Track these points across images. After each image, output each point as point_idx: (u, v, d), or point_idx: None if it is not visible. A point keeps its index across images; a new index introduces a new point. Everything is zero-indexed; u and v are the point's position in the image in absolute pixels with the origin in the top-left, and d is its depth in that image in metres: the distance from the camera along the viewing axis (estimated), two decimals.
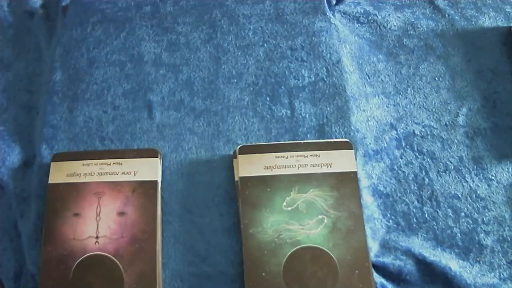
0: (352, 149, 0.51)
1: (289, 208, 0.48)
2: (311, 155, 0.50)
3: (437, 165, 0.53)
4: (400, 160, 0.53)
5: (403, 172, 0.52)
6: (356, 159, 0.51)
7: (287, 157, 0.50)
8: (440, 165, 0.53)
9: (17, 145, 0.54)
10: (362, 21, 0.61)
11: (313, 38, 0.59)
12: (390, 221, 0.50)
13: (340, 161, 0.50)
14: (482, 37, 0.60)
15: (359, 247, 0.46)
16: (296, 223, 0.47)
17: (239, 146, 0.51)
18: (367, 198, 0.50)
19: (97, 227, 0.47)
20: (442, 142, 0.54)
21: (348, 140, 0.51)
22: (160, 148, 0.52)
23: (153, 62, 0.57)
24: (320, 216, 0.47)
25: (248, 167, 0.49)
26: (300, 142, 0.51)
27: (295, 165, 0.49)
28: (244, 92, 0.56)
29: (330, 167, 0.49)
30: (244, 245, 0.46)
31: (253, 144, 0.52)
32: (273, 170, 0.49)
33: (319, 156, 0.50)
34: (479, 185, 0.52)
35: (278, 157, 0.50)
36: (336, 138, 0.53)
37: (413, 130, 0.54)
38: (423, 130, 0.54)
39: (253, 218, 0.47)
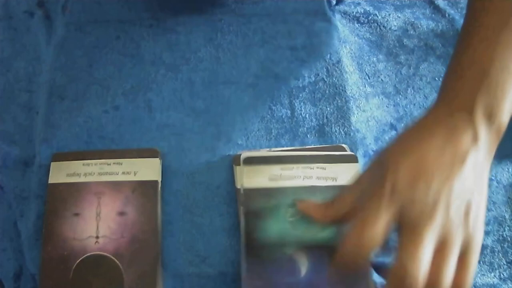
0: (357, 162, 0.50)
1: (293, 219, 0.47)
2: (317, 167, 0.50)
3: None
4: None
5: None
6: None
7: (292, 169, 0.49)
8: None
9: (17, 145, 0.54)
10: (362, 21, 0.61)
11: (313, 38, 0.59)
12: None
13: (345, 175, 0.49)
14: None
15: None
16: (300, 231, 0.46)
17: (243, 157, 0.50)
18: None
19: (97, 227, 0.47)
20: None
21: (353, 154, 0.51)
22: (160, 148, 0.52)
23: (153, 62, 0.57)
24: None
25: (253, 178, 0.49)
26: (306, 154, 0.51)
27: (300, 177, 0.49)
28: (244, 92, 0.56)
29: (335, 181, 0.49)
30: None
31: (258, 155, 0.51)
32: (278, 182, 0.49)
33: (325, 169, 0.50)
34: None
35: (283, 168, 0.49)
36: (336, 138, 0.53)
37: None
38: None
39: (256, 229, 0.47)
